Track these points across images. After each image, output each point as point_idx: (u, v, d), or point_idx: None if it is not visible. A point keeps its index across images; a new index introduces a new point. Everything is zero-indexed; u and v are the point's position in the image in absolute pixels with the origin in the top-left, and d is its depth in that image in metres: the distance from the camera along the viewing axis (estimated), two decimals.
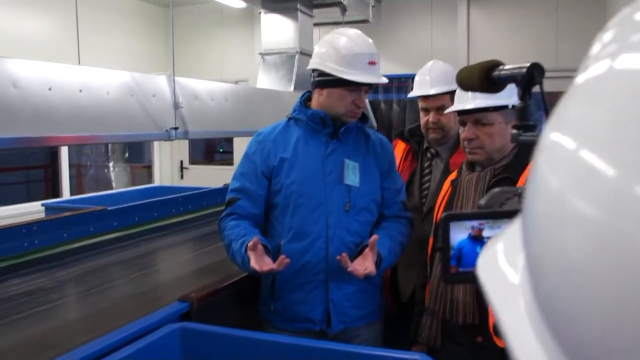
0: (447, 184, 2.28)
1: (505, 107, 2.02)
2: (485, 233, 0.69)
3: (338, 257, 2.11)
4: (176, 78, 2.92)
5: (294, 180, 2.25)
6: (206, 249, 3.29)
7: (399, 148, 2.90)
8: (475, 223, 0.69)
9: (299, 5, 4.42)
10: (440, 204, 2.26)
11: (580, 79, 0.37)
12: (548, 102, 0.75)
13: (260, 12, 4.57)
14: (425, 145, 2.81)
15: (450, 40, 6.32)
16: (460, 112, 2.09)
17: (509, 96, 1.96)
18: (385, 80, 2.28)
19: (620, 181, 0.28)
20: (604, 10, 5.66)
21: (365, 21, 5.56)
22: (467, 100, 2.07)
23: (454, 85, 2.67)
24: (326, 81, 2.26)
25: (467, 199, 2.07)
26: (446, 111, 2.41)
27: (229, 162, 7.14)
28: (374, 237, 2.17)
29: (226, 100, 3.43)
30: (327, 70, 2.23)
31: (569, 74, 3.31)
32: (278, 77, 4.45)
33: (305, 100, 2.40)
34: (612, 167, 0.29)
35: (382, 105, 6.64)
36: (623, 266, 0.27)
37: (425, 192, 2.73)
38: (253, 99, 3.73)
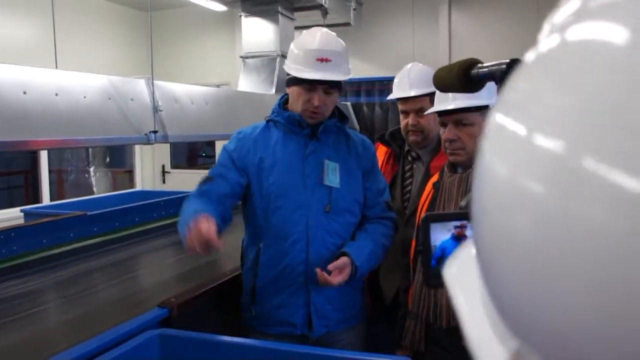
0: (429, 187, 2.27)
1: (486, 107, 2.01)
2: (468, 232, 0.68)
3: (318, 270, 2.09)
4: (155, 82, 2.89)
5: (273, 181, 2.22)
6: (188, 254, 3.25)
7: (380, 151, 2.88)
8: (457, 223, 0.68)
9: (279, 9, 4.42)
10: (422, 207, 2.25)
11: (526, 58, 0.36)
12: None
13: (240, 16, 4.56)
14: (407, 148, 2.79)
15: (432, 42, 6.33)
16: (441, 113, 2.08)
17: (490, 96, 1.96)
18: (342, 77, 2.23)
19: (564, 157, 0.27)
20: None
21: (347, 24, 5.56)
22: (447, 101, 2.05)
23: (433, 87, 2.67)
24: (288, 79, 2.28)
25: (449, 200, 2.06)
26: (426, 112, 2.40)
27: (211, 166, 7.01)
28: (344, 260, 2.15)
29: (206, 104, 3.41)
30: (286, 69, 2.26)
31: None
32: (259, 80, 4.45)
33: (284, 102, 2.38)
34: (556, 144, 0.28)
35: (365, 108, 6.65)
36: (569, 244, 0.26)
37: (407, 195, 2.72)
38: (234, 102, 3.71)
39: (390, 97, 2.80)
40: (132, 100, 2.71)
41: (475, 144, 2.01)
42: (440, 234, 0.70)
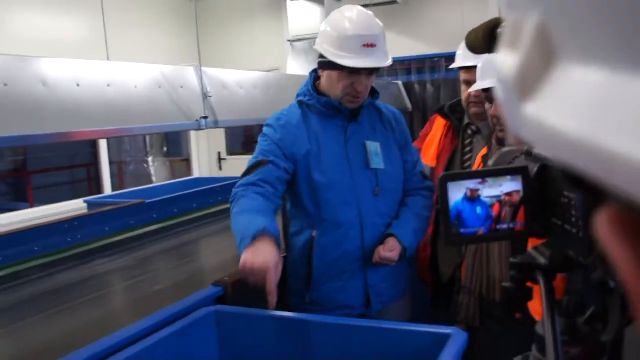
0: (478, 159, 2.25)
1: None
2: (484, 192, 0.69)
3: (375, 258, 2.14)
4: (203, 68, 2.95)
5: (321, 172, 2.19)
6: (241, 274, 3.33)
7: (439, 124, 2.84)
8: (472, 183, 0.69)
9: None
10: None
11: None
12: None
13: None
14: (466, 121, 2.74)
15: (481, 16, 6.18)
16: (486, 89, 2.04)
17: None
18: (388, 62, 2.18)
19: None
20: None
21: (393, 2, 5.52)
22: (491, 77, 2.00)
23: None
24: (324, 62, 2.20)
25: None
26: (471, 89, 2.35)
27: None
28: (392, 243, 2.18)
29: (255, 88, 3.46)
30: (323, 52, 2.17)
31: None
32: (307, 63, 4.46)
33: (315, 80, 2.32)
34: None
35: (416, 87, 6.58)
36: None
37: (467, 170, 2.70)
38: (282, 85, 3.74)
39: (454, 65, 2.74)
40: (181, 87, 2.78)
41: None
42: (456, 194, 0.71)
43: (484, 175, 0.70)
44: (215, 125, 2.97)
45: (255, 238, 1.83)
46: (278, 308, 1.95)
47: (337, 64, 2.13)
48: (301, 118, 2.27)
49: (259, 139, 2.32)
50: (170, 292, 2.35)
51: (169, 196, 3.87)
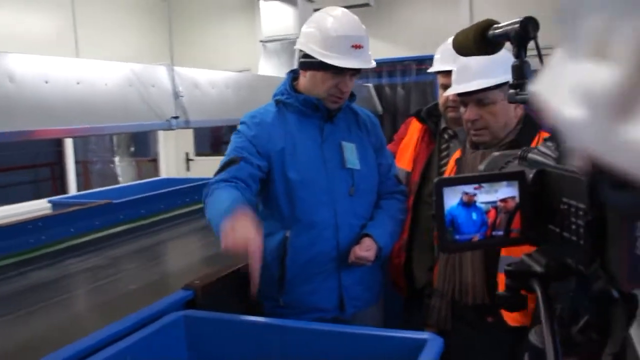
0: (452, 163, 2.24)
1: (506, 83, 1.93)
2: (480, 198, 0.67)
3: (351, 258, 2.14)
4: (175, 68, 2.90)
5: (296, 171, 2.18)
6: (213, 238, 3.27)
7: (414, 128, 2.81)
8: (469, 188, 0.67)
9: None
10: None
11: None
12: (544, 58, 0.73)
13: (259, 0, 4.55)
14: (443, 125, 2.71)
15: (453, 20, 6.23)
16: (461, 94, 2.04)
17: (507, 71, 1.92)
18: (373, 64, 2.19)
19: None
20: None
21: (366, 5, 5.51)
22: (466, 81, 2.01)
23: None
24: (309, 63, 2.18)
25: None
26: (446, 93, 2.34)
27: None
28: (368, 242, 2.17)
29: (227, 88, 3.42)
30: (310, 52, 2.15)
31: (548, 51, 3.24)
32: (279, 64, 4.44)
33: (292, 80, 2.31)
34: None
35: (387, 90, 6.59)
36: None
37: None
38: (254, 86, 3.71)
39: (432, 69, 2.72)
40: (153, 86, 2.73)
41: (498, 121, 1.99)
42: (451, 199, 0.69)
43: (480, 180, 0.68)
44: (187, 125, 2.93)
45: (231, 213, 1.79)
46: (250, 312, 1.91)
47: (324, 64, 2.11)
48: (277, 116, 2.25)
49: (232, 136, 2.28)
50: (138, 295, 2.29)
51: (136, 197, 3.79)
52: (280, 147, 2.18)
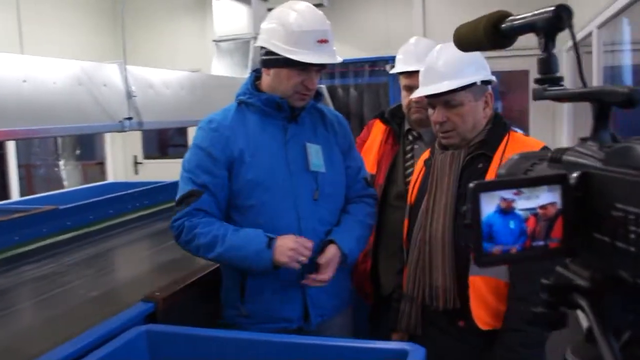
0: (420, 164, 2.20)
1: (474, 84, 1.95)
2: (519, 205, 0.59)
3: (308, 277, 2.06)
4: (128, 67, 2.75)
5: (256, 174, 2.07)
6: (167, 245, 3.14)
7: (378, 129, 2.76)
8: (507, 193, 0.59)
9: None
10: (414, 186, 2.18)
11: None
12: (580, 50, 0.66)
13: None
14: (407, 127, 2.67)
15: (406, 23, 6.24)
16: (429, 96, 2.00)
17: (475, 72, 1.95)
18: (339, 59, 2.11)
19: None
20: None
21: (319, 5, 5.44)
22: (433, 82, 1.97)
23: None
24: (273, 60, 2.08)
25: (441, 178, 1.99)
26: (413, 95, 2.26)
27: (184, 156, 6.85)
28: (332, 251, 2.09)
29: (182, 89, 3.28)
30: (274, 49, 2.05)
31: (530, 52, 3.25)
32: (233, 64, 4.33)
33: (255, 80, 2.21)
34: None
35: (339, 91, 6.55)
36: None
37: (409, 178, 2.61)
38: (209, 86, 3.59)
39: (394, 70, 2.67)
40: (104, 86, 2.58)
41: (466, 123, 1.96)
42: (488, 206, 0.61)
43: (521, 184, 0.60)
44: (140, 127, 2.78)
45: (269, 241, 1.99)
46: (212, 323, 1.81)
47: (289, 61, 2.02)
48: (237, 117, 2.15)
49: (190, 148, 2.17)
50: (92, 309, 2.14)
51: (83, 202, 3.62)
52: (239, 149, 2.09)
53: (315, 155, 2.16)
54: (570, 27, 0.66)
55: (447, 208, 1.94)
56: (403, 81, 2.62)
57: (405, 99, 2.61)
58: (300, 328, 2.14)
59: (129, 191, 4.02)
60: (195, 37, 6.79)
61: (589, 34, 4.16)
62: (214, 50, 4.46)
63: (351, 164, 2.29)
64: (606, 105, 0.62)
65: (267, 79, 2.14)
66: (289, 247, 1.98)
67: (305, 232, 2.08)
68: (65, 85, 2.31)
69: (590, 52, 4.21)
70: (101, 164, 7.16)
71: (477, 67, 1.98)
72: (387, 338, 2.25)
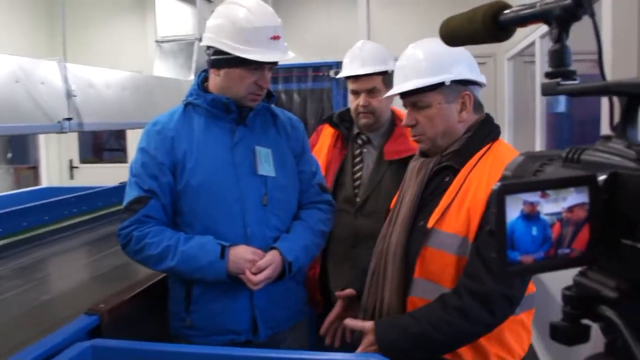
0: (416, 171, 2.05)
1: (442, 84, 1.76)
2: (544, 208, 0.54)
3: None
4: (68, 64, 2.61)
5: (201, 177, 1.98)
6: (107, 252, 2.99)
7: (327, 133, 2.72)
8: (534, 196, 0.53)
9: None
10: (398, 192, 2.03)
11: None
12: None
13: None
14: (356, 131, 2.64)
15: (350, 29, 6.24)
16: (401, 95, 1.86)
17: (445, 71, 1.76)
18: (292, 54, 2.03)
19: None
20: None
21: None
22: (400, 82, 1.84)
23: (386, 66, 2.54)
24: (223, 60, 1.97)
25: (409, 187, 1.85)
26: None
27: (122, 160, 6.71)
28: (270, 258, 1.97)
29: (124, 90, 3.15)
30: (223, 48, 1.94)
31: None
32: (177, 66, 4.22)
33: (202, 81, 2.11)
34: None
35: (283, 96, 6.49)
36: None
37: (358, 182, 2.56)
38: (152, 88, 3.47)
39: (340, 75, 2.63)
40: (42, 84, 2.43)
41: (434, 127, 1.79)
42: (513, 211, 0.55)
43: (547, 185, 0.54)
44: (80, 128, 2.66)
45: (222, 251, 1.92)
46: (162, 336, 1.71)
47: (241, 60, 1.92)
48: (182, 119, 2.05)
49: (136, 152, 2.07)
50: (28, 324, 1.99)
51: (16, 208, 3.43)
52: (183, 152, 1.99)
53: (265, 158, 2.07)
54: (592, 15, 0.61)
55: (405, 221, 1.80)
56: (350, 85, 2.59)
57: (352, 103, 2.59)
58: (249, 341, 2.04)
59: (65, 196, 3.83)
60: (135, 37, 6.60)
61: (532, 43, 4.24)
62: (155, 52, 4.33)
63: (305, 169, 2.21)
64: (637, 100, 0.58)
65: (217, 80, 2.04)
66: (246, 259, 1.92)
67: (252, 238, 2.00)
68: (0, 82, 2.16)
69: (533, 62, 4.29)
70: (34, 168, 6.87)
71: (453, 66, 1.78)
72: (336, 350, 2.17)
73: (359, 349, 1.68)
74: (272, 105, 2.19)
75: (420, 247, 1.71)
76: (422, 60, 1.78)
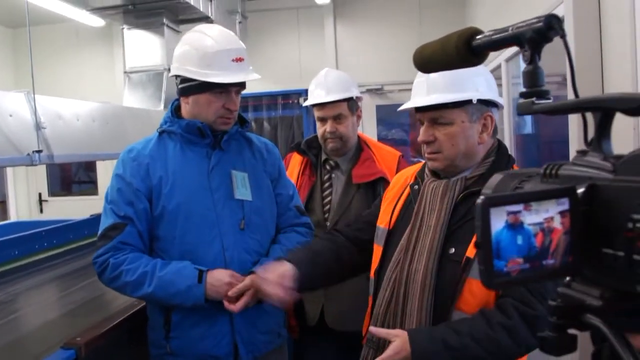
0: (399, 186, 1.94)
1: (469, 102, 1.66)
2: (527, 219, 0.55)
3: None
4: (36, 96, 2.59)
5: (177, 202, 1.98)
6: (79, 286, 2.94)
7: (295, 161, 2.76)
8: (517, 207, 0.55)
9: (164, 20, 4.19)
10: (394, 209, 1.88)
11: None
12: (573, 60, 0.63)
13: (123, 29, 4.28)
14: (324, 157, 2.68)
15: (318, 57, 6.30)
16: (417, 110, 1.75)
17: (470, 88, 1.67)
18: (256, 76, 2.06)
19: None
20: (464, 20, 5.90)
21: None
22: (421, 95, 1.72)
23: (350, 93, 2.59)
24: (190, 87, 2.01)
25: (431, 211, 1.71)
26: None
27: (92, 192, 6.63)
28: (247, 283, 1.92)
29: (93, 121, 3.13)
30: (188, 75, 1.99)
31: None
32: (146, 96, 4.19)
33: (176, 109, 2.14)
34: None
35: (253, 124, 6.50)
36: None
37: (328, 206, 2.60)
38: (121, 118, 3.45)
39: (307, 103, 2.69)
40: (10, 116, 2.40)
41: (455, 146, 1.69)
42: (497, 222, 0.56)
43: (529, 198, 0.56)
44: (51, 160, 2.63)
45: (199, 275, 1.92)
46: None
47: (206, 84, 1.96)
48: (157, 146, 2.07)
49: (112, 179, 2.07)
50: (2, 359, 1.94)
51: None
52: (158, 177, 2.00)
53: (242, 182, 2.08)
54: (563, 36, 0.64)
55: (433, 248, 1.64)
56: (316, 113, 2.64)
57: (319, 129, 2.64)
58: None
59: (34, 230, 3.75)
60: (102, 68, 6.57)
61: (498, 66, 4.33)
62: (123, 82, 4.31)
63: (282, 192, 2.23)
64: (611, 114, 0.60)
65: (187, 107, 2.07)
66: (224, 282, 1.92)
67: (231, 262, 2.00)
68: None
69: (500, 85, 4.38)
70: (3, 203, 6.74)
71: (477, 84, 1.69)
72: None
73: (385, 355, 1.56)
74: (247, 132, 2.21)
75: (461, 278, 1.58)
76: (451, 76, 1.66)
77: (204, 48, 1.98)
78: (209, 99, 2.00)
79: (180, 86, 2.05)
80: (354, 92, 2.61)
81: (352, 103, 2.59)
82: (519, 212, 0.56)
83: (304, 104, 2.77)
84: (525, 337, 1.52)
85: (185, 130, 2.04)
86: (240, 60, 2.01)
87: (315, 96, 2.62)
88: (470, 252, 1.57)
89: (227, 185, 2.05)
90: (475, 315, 1.56)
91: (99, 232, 1.99)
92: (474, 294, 1.57)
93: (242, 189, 2.07)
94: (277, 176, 2.24)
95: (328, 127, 2.57)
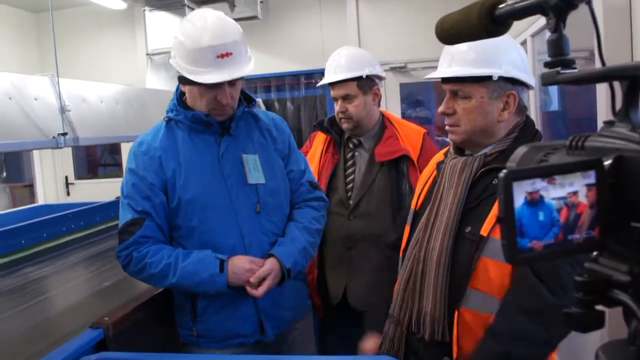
0: (432, 166, 1.93)
1: (490, 78, 1.61)
2: (551, 193, 0.54)
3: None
4: (60, 79, 2.61)
5: (193, 193, 1.99)
6: (106, 267, 2.98)
7: (319, 139, 2.76)
8: (541, 182, 0.53)
9: (186, 1, 4.20)
10: (422, 189, 1.88)
11: None
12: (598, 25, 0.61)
13: (144, 10, 4.29)
14: (347, 135, 2.67)
15: (340, 35, 6.24)
16: (442, 81, 1.71)
17: (494, 65, 1.62)
18: (246, 71, 1.97)
19: None
20: None
21: (254, 17, 5.39)
22: (444, 67, 1.69)
23: (360, 71, 2.55)
24: (183, 78, 1.99)
25: (447, 190, 1.70)
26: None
27: (118, 175, 6.68)
28: (268, 267, 1.99)
29: (117, 103, 3.15)
30: (177, 69, 1.97)
31: None
32: (169, 78, 4.22)
33: (181, 94, 2.12)
34: None
35: (276, 104, 6.49)
36: None
37: (351, 184, 2.59)
38: (145, 100, 3.46)
39: (322, 82, 2.66)
40: (35, 100, 2.42)
41: (472, 121, 1.66)
42: (519, 197, 0.55)
43: (554, 171, 0.54)
44: (76, 142, 2.65)
45: (221, 264, 1.94)
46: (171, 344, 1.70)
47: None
48: (166, 137, 2.06)
49: (125, 173, 2.08)
50: (32, 340, 1.97)
51: (14, 226, 3.40)
52: (172, 170, 2.00)
53: (253, 166, 2.08)
54: (589, 2, 0.61)
55: (449, 226, 1.64)
56: (332, 92, 2.62)
57: (335, 109, 2.62)
58: (258, 341, 2.08)
59: (62, 213, 3.81)
60: (125, 51, 6.59)
61: (524, 42, 4.25)
62: (146, 64, 4.33)
63: (293, 168, 2.22)
64: (638, 82, 0.58)
65: (187, 94, 2.07)
66: (245, 269, 1.95)
67: (250, 248, 2.02)
68: None
69: None
70: (30, 186, 6.82)
71: (503, 61, 1.63)
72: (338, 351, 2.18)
73: None
74: (254, 109, 2.19)
75: (474, 257, 1.57)
76: (473, 47, 1.63)
77: (190, 44, 1.92)
78: (200, 91, 1.98)
79: (178, 74, 2.03)
80: (366, 71, 2.54)
81: (362, 82, 2.54)
82: (541, 186, 0.55)
83: (320, 84, 2.72)
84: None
85: (192, 120, 2.03)
86: (226, 55, 1.92)
87: (328, 75, 2.60)
88: (485, 230, 1.56)
89: (239, 171, 2.05)
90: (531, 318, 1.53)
91: (119, 227, 2.01)
92: (489, 273, 1.55)
93: (255, 172, 2.07)
94: (287, 153, 2.22)
95: (338, 106, 2.57)
